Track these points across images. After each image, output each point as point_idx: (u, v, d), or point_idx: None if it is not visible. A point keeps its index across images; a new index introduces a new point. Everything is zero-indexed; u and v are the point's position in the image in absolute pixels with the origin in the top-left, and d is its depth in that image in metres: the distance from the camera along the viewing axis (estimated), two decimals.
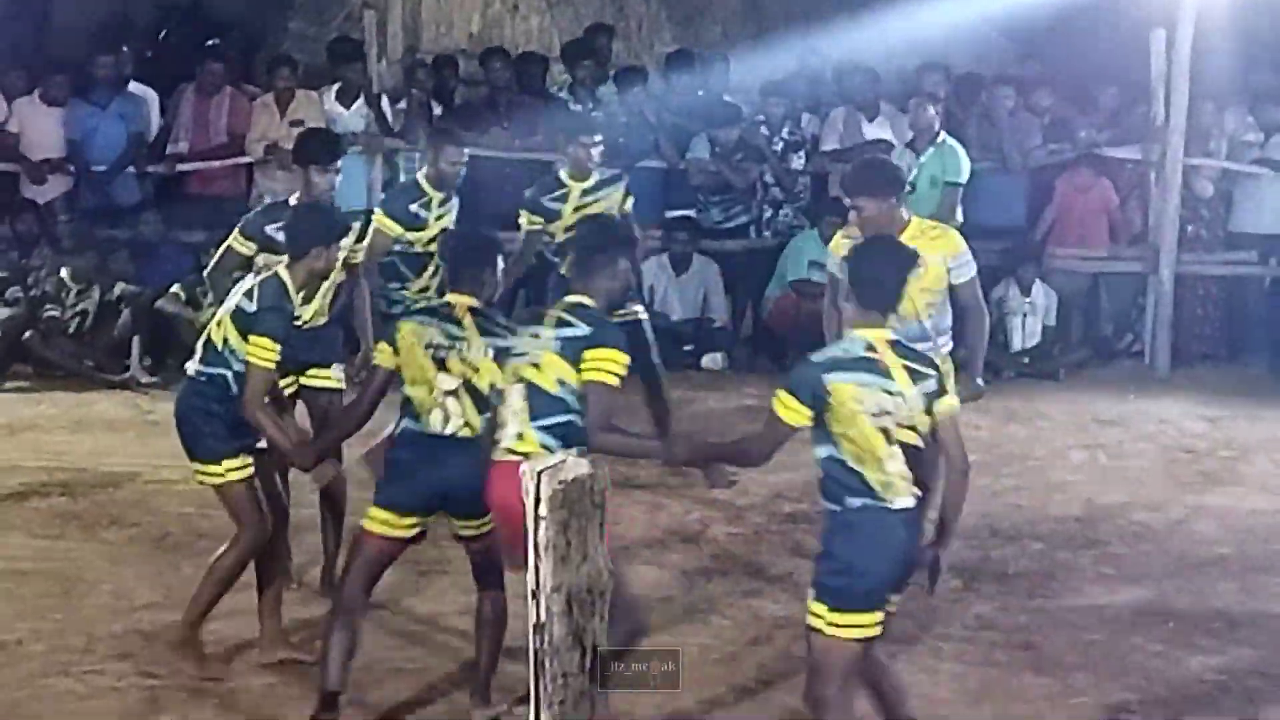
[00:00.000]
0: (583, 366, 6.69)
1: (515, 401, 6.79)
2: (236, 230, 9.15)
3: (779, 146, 15.01)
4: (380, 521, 7.15)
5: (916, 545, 6.28)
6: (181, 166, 14.94)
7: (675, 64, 15.58)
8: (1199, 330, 15.30)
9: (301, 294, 7.94)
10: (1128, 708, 7.66)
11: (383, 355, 7.36)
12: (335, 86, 14.99)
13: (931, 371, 6.30)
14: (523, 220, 11.38)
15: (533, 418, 6.74)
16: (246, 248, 9.04)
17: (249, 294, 7.59)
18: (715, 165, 14.93)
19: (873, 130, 14.87)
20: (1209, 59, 15.00)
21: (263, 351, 7.43)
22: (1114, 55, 15.87)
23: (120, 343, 13.79)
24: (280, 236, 8.28)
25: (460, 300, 7.30)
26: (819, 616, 6.16)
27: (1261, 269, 15.28)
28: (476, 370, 7.15)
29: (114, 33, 15.99)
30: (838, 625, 6.13)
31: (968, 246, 8.62)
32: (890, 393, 6.15)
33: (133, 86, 15.09)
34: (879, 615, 6.17)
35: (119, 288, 13.89)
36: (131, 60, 15.31)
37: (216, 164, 14.93)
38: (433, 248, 10.52)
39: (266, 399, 7.58)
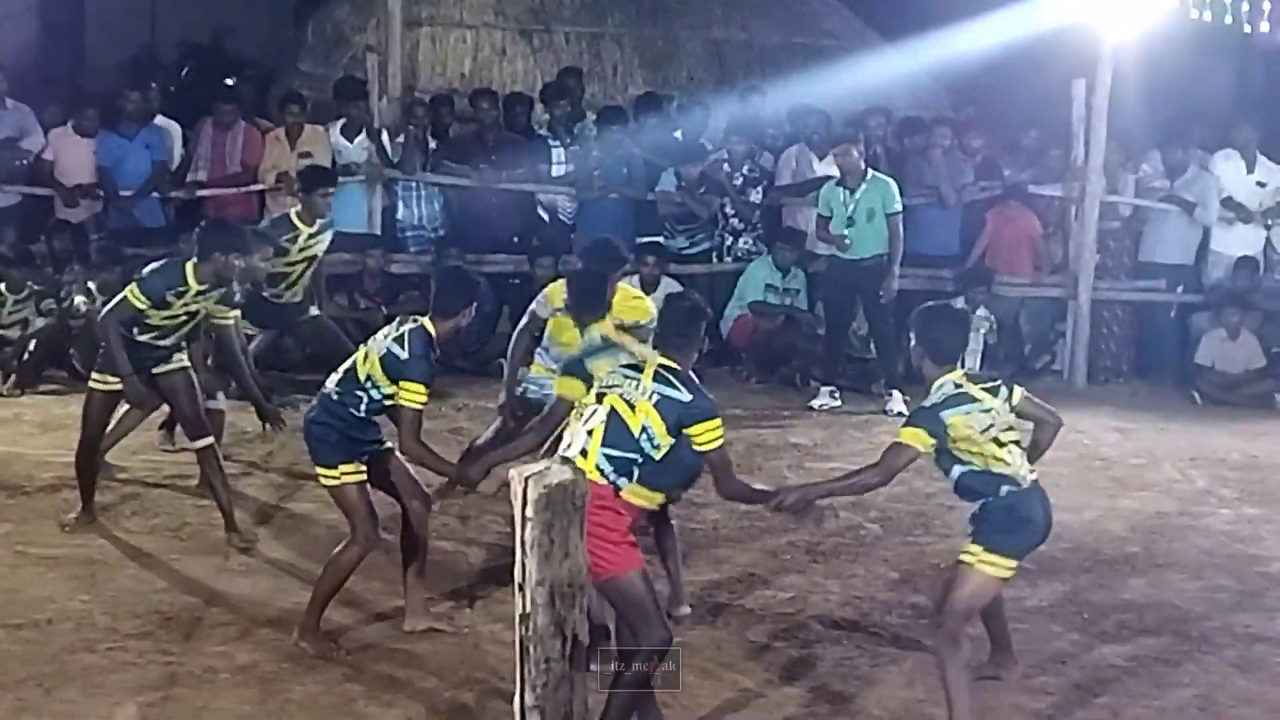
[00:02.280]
0: (696, 441, 6.87)
1: (594, 422, 6.84)
2: (134, 285, 9.30)
3: (739, 181, 15.03)
4: None
5: (1051, 513, 7.29)
6: (200, 193, 14.92)
7: (646, 106, 15.60)
8: (1112, 350, 15.38)
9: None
10: (1046, 689, 7.69)
11: (573, 389, 7.73)
12: (340, 121, 15.00)
13: (998, 382, 7.22)
14: None
15: (604, 443, 6.79)
16: (140, 302, 9.23)
17: (400, 341, 7.84)
18: (681, 197, 14.95)
19: (822, 168, 14.88)
20: (1124, 106, 15.08)
21: (415, 395, 7.76)
22: (1037, 102, 15.95)
23: None
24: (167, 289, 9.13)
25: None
26: (973, 554, 7.10)
27: (1168, 296, 15.36)
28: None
29: (141, 70, 16.02)
30: (987, 563, 7.07)
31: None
32: (985, 411, 7.04)
33: (158, 119, 15.10)
34: (1016, 564, 7.15)
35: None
36: (157, 96, 15.29)
37: (232, 191, 14.92)
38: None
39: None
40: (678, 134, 15.46)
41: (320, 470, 8.02)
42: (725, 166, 15.10)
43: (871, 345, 14.37)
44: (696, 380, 7.02)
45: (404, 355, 7.79)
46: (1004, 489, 7.09)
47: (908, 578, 9.32)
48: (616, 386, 6.91)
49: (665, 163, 15.10)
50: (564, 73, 16.21)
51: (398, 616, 8.35)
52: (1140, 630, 8.56)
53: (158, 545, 9.44)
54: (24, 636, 7.95)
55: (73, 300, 13.69)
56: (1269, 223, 15.26)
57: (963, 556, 7.16)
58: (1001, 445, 7.10)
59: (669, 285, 14.73)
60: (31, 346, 13.42)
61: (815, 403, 13.59)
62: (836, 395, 13.65)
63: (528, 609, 4.88)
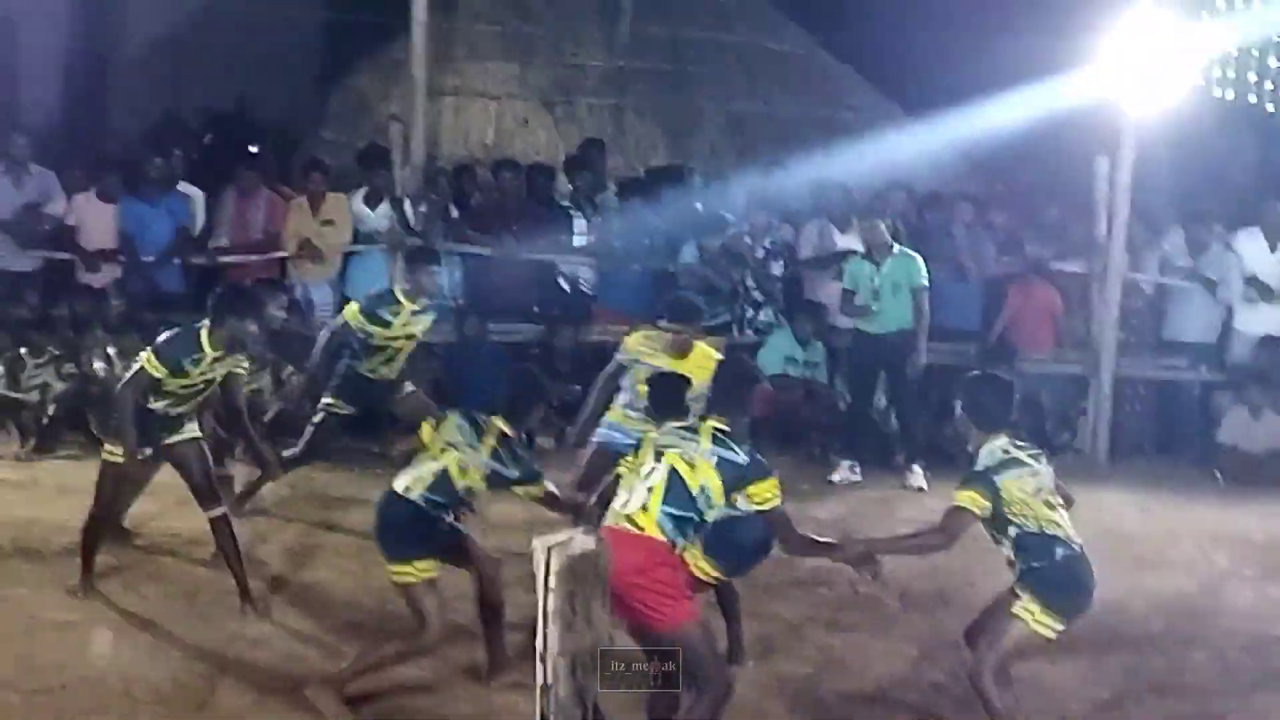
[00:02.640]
0: (754, 499, 7.05)
1: (655, 479, 6.98)
2: (150, 354, 9.32)
3: (760, 254, 15.06)
4: None
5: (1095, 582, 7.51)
6: (223, 259, 14.95)
7: (667, 178, 15.67)
8: (1134, 427, 15.35)
9: None
10: None
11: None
12: (363, 190, 15.06)
13: (1040, 450, 7.55)
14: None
15: (664, 501, 6.92)
16: (158, 371, 9.25)
17: (498, 458, 8.07)
18: (702, 269, 14.97)
19: (844, 241, 14.93)
20: (1147, 183, 15.10)
21: (539, 488, 8.21)
22: (1059, 177, 15.99)
23: None
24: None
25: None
26: (1029, 611, 7.37)
27: (1191, 374, 15.34)
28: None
29: (164, 136, 16.07)
30: (1041, 622, 7.36)
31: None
32: (1034, 475, 7.36)
33: (181, 185, 15.14)
34: (1062, 628, 7.41)
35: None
36: (181, 162, 15.35)
37: (254, 258, 14.97)
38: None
39: None
40: (698, 206, 15.50)
41: (393, 569, 8.01)
42: (746, 239, 15.12)
43: (893, 419, 14.36)
44: None
45: (514, 473, 8.06)
46: (1059, 551, 7.37)
47: (927, 653, 9.28)
48: (674, 446, 6.98)
49: (686, 234, 15.14)
50: (587, 144, 16.29)
51: (416, 686, 8.35)
52: (1160, 711, 8.53)
53: (172, 612, 9.42)
54: (38, 702, 7.95)
55: (92, 365, 13.74)
56: None
57: (1017, 610, 7.38)
58: (1052, 509, 7.40)
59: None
60: (51, 410, 13.45)
61: (835, 476, 13.56)
62: (856, 469, 13.63)
63: (550, 680, 4.87)
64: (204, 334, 9.27)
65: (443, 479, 7.96)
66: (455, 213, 15.23)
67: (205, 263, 15.01)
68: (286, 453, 11.34)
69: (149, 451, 9.47)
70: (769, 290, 15.16)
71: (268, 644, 8.97)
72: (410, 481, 8.04)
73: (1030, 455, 7.40)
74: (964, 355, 14.60)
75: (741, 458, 6.97)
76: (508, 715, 7.96)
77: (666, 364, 9.96)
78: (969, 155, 17.33)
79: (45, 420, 13.43)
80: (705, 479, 6.90)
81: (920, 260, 13.47)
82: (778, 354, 14.53)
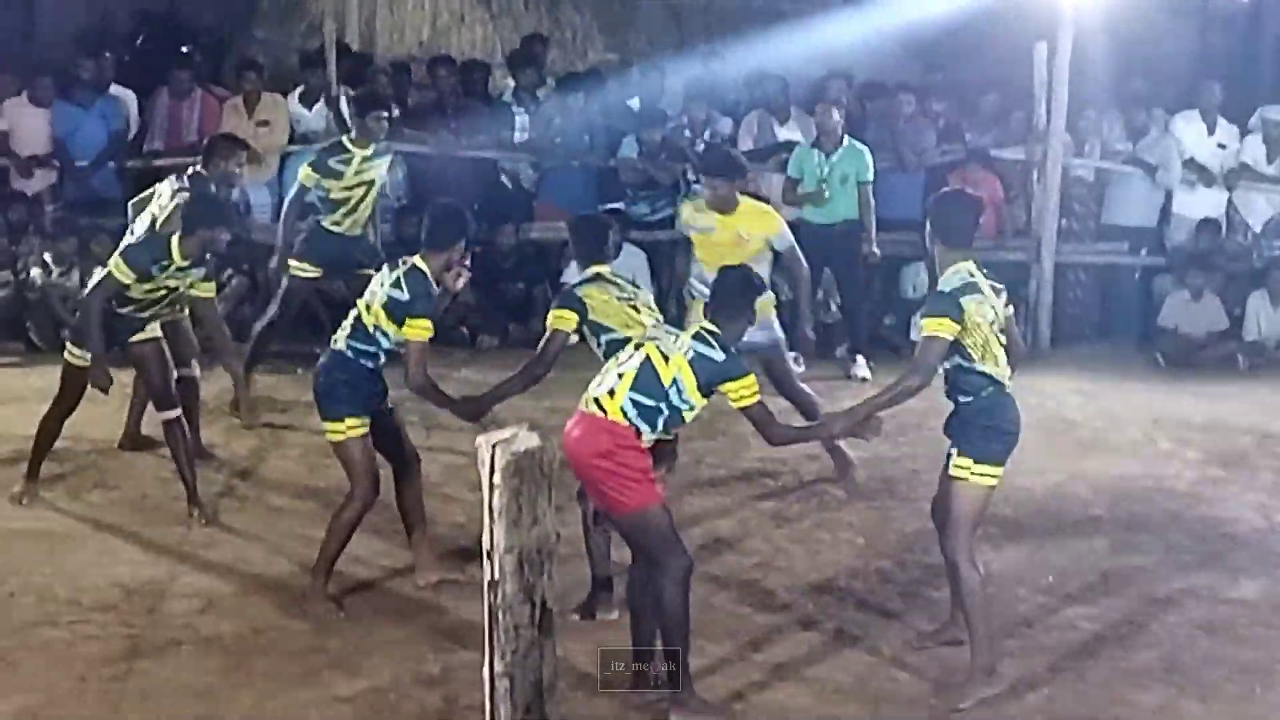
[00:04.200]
0: (731, 398, 7.08)
1: (628, 366, 7.06)
2: (118, 258, 9.35)
3: (700, 147, 15.02)
4: None
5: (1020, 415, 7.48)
6: (157, 162, 14.80)
7: (606, 73, 15.61)
8: (1075, 313, 15.44)
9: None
10: (1011, 652, 7.74)
11: (566, 321, 8.16)
12: (298, 89, 14.94)
13: (1001, 286, 7.53)
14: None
15: (633, 388, 6.98)
16: (125, 276, 9.25)
17: (397, 284, 8.03)
18: (642, 163, 14.93)
19: (784, 132, 14.91)
20: (1086, 68, 15.11)
21: (421, 330, 7.97)
22: (999, 65, 15.94)
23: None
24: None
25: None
26: (964, 468, 7.34)
27: (1131, 258, 15.42)
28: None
29: (95, 39, 15.87)
30: (979, 474, 7.31)
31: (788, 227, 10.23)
32: (992, 305, 7.34)
33: (113, 89, 14.96)
34: (1001, 470, 7.37)
35: (98, 271, 13.81)
36: (112, 65, 15.17)
37: (189, 160, 14.81)
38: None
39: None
40: (633, 102, 15.44)
41: (327, 425, 8.15)
42: (686, 132, 15.08)
43: (835, 309, 14.39)
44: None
45: (405, 296, 7.98)
46: (987, 389, 7.34)
47: (872, 543, 9.37)
48: (656, 339, 7.15)
49: (626, 129, 15.09)
50: (529, 39, 16.16)
51: (364, 581, 8.39)
52: (1105, 593, 8.63)
53: (119, 518, 9.44)
54: None
55: (29, 272, 13.66)
56: (1230, 185, 15.32)
57: (954, 472, 7.39)
58: (999, 345, 7.38)
59: (631, 251, 14.75)
60: None
61: None
62: (800, 361, 13.65)
63: (496, 576, 4.89)
64: (174, 240, 9.25)
65: (356, 322, 8.15)
66: (394, 111, 15.11)
67: (140, 166, 14.90)
68: (261, 322, 11.51)
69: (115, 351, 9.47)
70: None
71: (216, 548, 8.98)
72: (338, 334, 8.25)
73: (992, 286, 7.44)
74: (906, 245, 14.63)
75: (718, 354, 7.00)
76: (458, 612, 8.02)
77: (715, 222, 10.09)
78: (908, 44, 17.26)
79: None
80: (679, 372, 6.95)
81: (869, 154, 13.47)
82: None
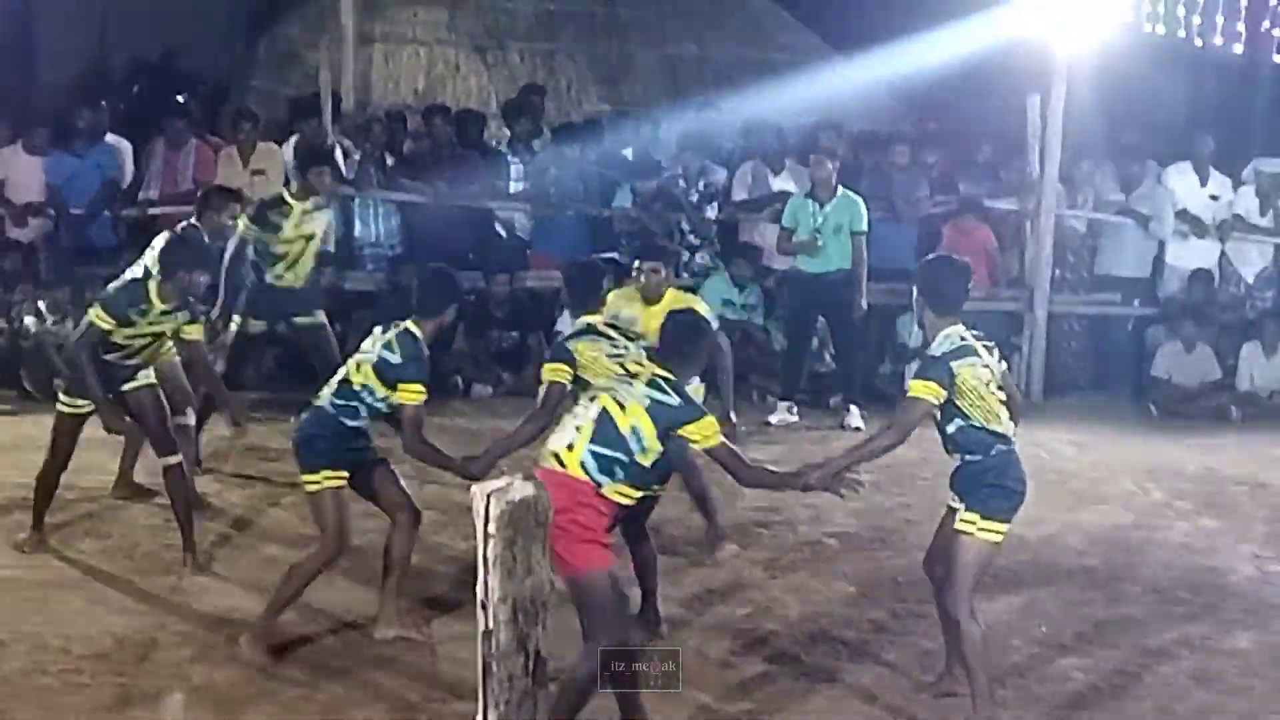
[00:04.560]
0: (693, 441, 6.97)
1: (584, 419, 6.94)
2: (98, 305, 9.32)
3: (694, 197, 15.06)
4: None
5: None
6: (152, 210, 14.84)
7: (601, 123, 15.67)
8: (1068, 364, 15.46)
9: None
10: (1005, 702, 7.72)
11: (560, 373, 8.32)
12: (294, 138, 14.97)
13: (992, 343, 7.43)
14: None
15: (592, 440, 6.85)
16: (105, 323, 9.25)
17: (389, 346, 8.05)
18: (636, 213, 14.97)
19: (778, 182, 14.98)
20: (1079, 119, 15.17)
21: (415, 394, 7.99)
22: (992, 116, 16.03)
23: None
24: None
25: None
26: (970, 524, 7.30)
27: (1125, 309, 15.47)
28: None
29: (92, 88, 15.93)
30: (985, 530, 7.27)
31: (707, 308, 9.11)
32: (986, 365, 7.26)
33: (109, 137, 15.03)
34: (1006, 528, 7.32)
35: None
36: (108, 113, 15.23)
37: (184, 209, 14.83)
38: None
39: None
40: (627, 152, 15.48)
41: (304, 477, 8.10)
42: (681, 182, 15.13)
43: (828, 359, 14.43)
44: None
45: (397, 359, 7.98)
46: (996, 448, 7.30)
47: (867, 592, 9.35)
48: (610, 389, 7.03)
49: (620, 179, 15.14)
50: (525, 89, 16.25)
51: (358, 628, 8.37)
52: (1099, 643, 8.61)
53: (112, 566, 9.40)
54: None
55: (23, 320, 13.66)
56: (1223, 236, 15.38)
57: (961, 526, 7.34)
58: (1000, 403, 7.34)
59: None
60: None
61: (773, 418, 13.61)
62: (794, 410, 13.69)
63: (490, 626, 4.89)
64: (152, 285, 9.25)
65: (344, 381, 8.13)
66: (389, 160, 15.17)
67: (135, 215, 14.92)
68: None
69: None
70: (704, 233, 15.19)
71: (208, 597, 8.96)
72: (323, 390, 8.23)
73: (985, 345, 7.36)
74: (899, 295, 14.67)
75: (673, 399, 6.92)
76: (447, 659, 8.00)
77: (640, 312, 9.48)
78: (901, 94, 17.36)
79: None
80: (636, 420, 6.85)
81: (862, 204, 13.50)
82: (715, 297, 14.53)
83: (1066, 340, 15.45)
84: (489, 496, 4.93)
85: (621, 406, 6.90)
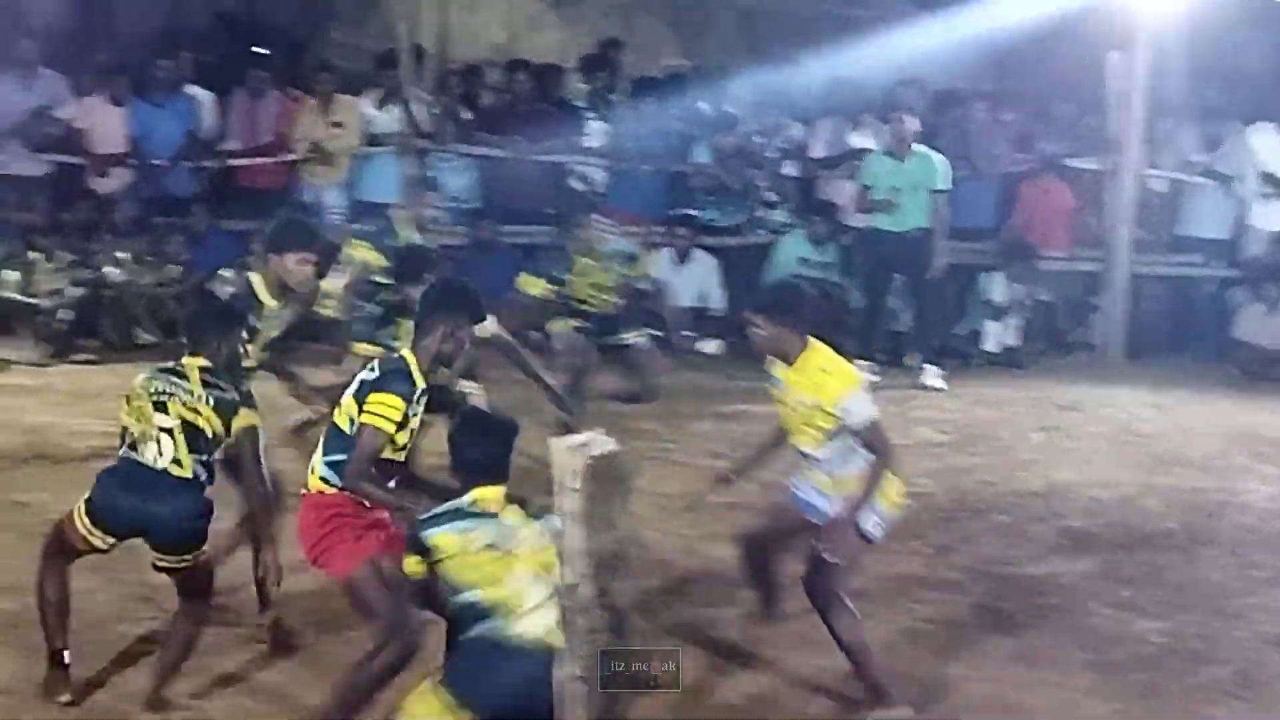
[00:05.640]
0: (364, 408, 6.42)
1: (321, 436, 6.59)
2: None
3: (773, 153, 15.03)
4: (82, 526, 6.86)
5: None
6: (232, 161, 14.99)
7: (681, 77, 15.67)
8: (1148, 325, 15.36)
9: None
10: (1082, 665, 7.70)
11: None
12: (373, 92, 15.04)
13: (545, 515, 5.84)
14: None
15: (324, 453, 6.54)
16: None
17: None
18: (713, 168, 14.96)
19: (857, 139, 14.92)
20: (1161, 78, 15.04)
21: (382, 409, 6.46)
22: (1073, 74, 15.89)
23: (174, 319, 13.92)
24: None
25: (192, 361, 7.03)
26: None
27: (1206, 270, 15.36)
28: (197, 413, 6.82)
29: (172, 39, 16.01)
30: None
31: (858, 388, 7.25)
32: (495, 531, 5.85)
33: (189, 89, 15.14)
34: None
35: (171, 270, 13.99)
36: (189, 64, 15.33)
37: (263, 160, 14.98)
38: None
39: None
40: (704, 107, 15.46)
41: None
42: (758, 138, 15.09)
43: (906, 318, 14.40)
44: None
45: (374, 375, 6.59)
46: (478, 628, 5.89)
47: (943, 553, 9.33)
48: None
49: (698, 134, 15.12)
50: (605, 43, 16.25)
51: None
52: (1177, 607, 8.56)
53: None
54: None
55: (103, 271, 13.79)
56: None
57: None
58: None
59: (701, 258, 14.80)
60: (65, 316, 13.49)
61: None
62: (874, 370, 13.65)
63: (573, 579, 4.92)
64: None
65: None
66: (467, 114, 15.21)
67: (214, 166, 15.05)
68: None
69: None
70: (782, 190, 15.15)
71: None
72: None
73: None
74: (978, 254, 14.65)
75: (373, 375, 6.52)
76: None
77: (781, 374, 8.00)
78: (981, 51, 17.20)
79: (59, 326, 13.47)
80: (351, 411, 6.49)
81: (941, 163, 13.43)
82: (791, 254, 14.56)
83: (1147, 302, 15.34)
84: (569, 451, 4.95)
85: (337, 406, 6.62)
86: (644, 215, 14.69)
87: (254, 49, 15.85)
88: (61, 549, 7.00)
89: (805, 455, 7.25)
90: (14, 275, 13.75)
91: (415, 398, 6.48)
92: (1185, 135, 15.51)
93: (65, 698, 6.90)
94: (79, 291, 13.68)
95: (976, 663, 7.75)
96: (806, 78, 15.83)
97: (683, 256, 14.71)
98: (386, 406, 6.37)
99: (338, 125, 14.77)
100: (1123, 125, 14.80)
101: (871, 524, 7.11)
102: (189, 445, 6.71)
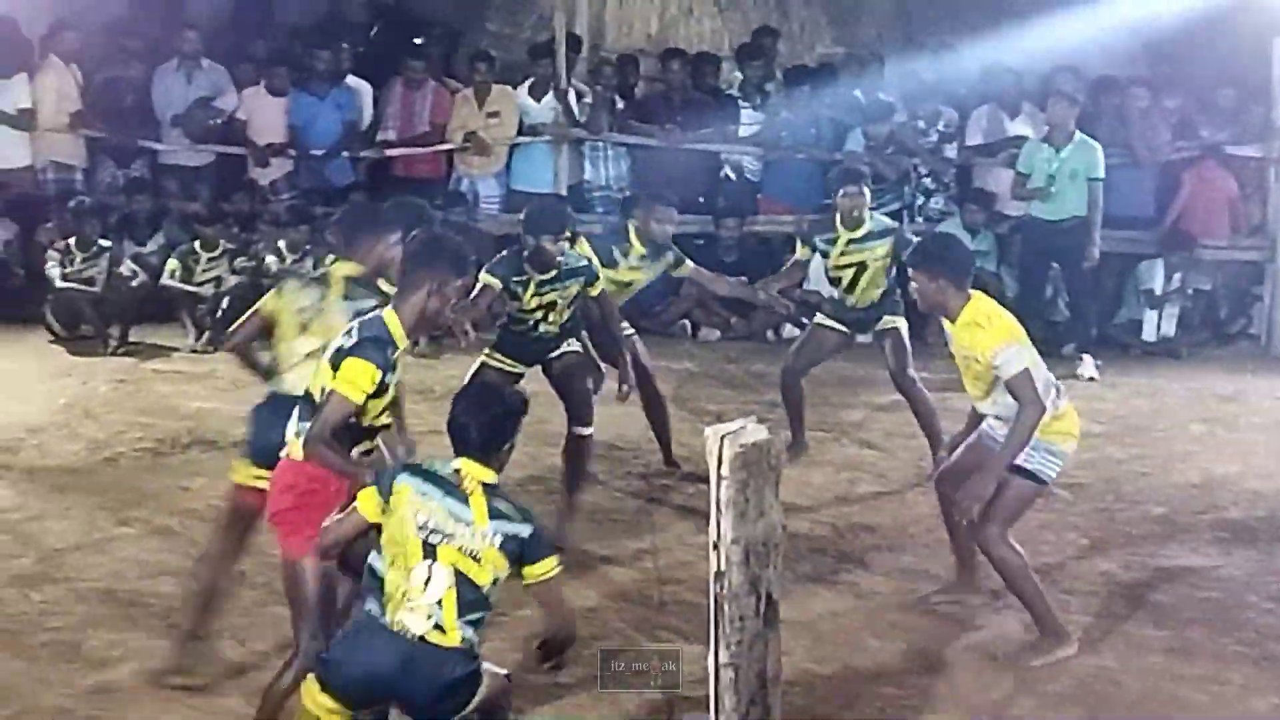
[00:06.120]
0: (336, 374, 6.11)
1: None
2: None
3: (932, 140, 14.95)
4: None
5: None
6: (390, 152, 15.16)
7: (836, 65, 15.64)
8: None
9: None
10: (1239, 659, 7.61)
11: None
12: (528, 81, 15.14)
13: (517, 522, 5.72)
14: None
15: (301, 419, 6.28)
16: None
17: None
18: (869, 157, 14.91)
19: (1015, 127, 14.79)
20: None
21: (352, 376, 6.12)
22: (1235, 60, 15.65)
23: None
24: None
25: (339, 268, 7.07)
26: None
27: None
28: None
29: (330, 30, 16.21)
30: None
31: (1015, 341, 7.49)
32: (457, 517, 5.70)
33: (348, 79, 15.34)
34: None
35: (330, 259, 14.15)
36: (347, 55, 15.53)
37: (420, 150, 15.13)
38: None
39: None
40: (863, 93, 15.38)
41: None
42: (918, 124, 14.99)
43: (1062, 307, 14.28)
44: None
45: (351, 341, 6.20)
46: (370, 607, 5.80)
47: (1098, 544, 9.27)
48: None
49: (853, 122, 15.08)
50: (759, 31, 16.23)
51: None
52: None
53: None
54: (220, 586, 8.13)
55: (264, 259, 14.02)
56: None
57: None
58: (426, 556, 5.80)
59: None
60: (224, 304, 13.73)
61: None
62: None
63: (722, 567, 4.94)
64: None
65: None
66: (620, 104, 15.28)
67: (373, 156, 15.23)
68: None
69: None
70: (939, 178, 15.06)
71: None
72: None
73: (494, 507, 5.82)
74: (1138, 243, 14.50)
75: (349, 341, 6.15)
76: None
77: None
78: (1140, 37, 17.00)
79: (219, 313, 13.71)
80: (324, 380, 6.17)
81: (1099, 150, 13.31)
82: None
83: None
84: (722, 439, 4.98)
85: (318, 370, 6.25)
86: (798, 205, 14.66)
87: (411, 40, 15.99)
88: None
89: (980, 411, 7.75)
90: (176, 264, 14.01)
91: (393, 363, 6.17)
92: None
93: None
94: (239, 280, 13.92)
95: (1131, 655, 7.68)
96: (963, 65, 15.71)
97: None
98: (358, 374, 6.04)
99: (493, 115, 14.90)
100: None
101: (1037, 462, 7.52)
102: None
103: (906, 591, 8.42)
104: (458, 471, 5.74)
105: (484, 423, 5.78)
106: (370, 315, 6.28)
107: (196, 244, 14.11)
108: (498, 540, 5.63)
